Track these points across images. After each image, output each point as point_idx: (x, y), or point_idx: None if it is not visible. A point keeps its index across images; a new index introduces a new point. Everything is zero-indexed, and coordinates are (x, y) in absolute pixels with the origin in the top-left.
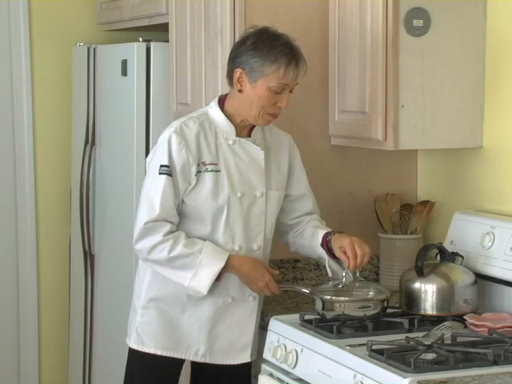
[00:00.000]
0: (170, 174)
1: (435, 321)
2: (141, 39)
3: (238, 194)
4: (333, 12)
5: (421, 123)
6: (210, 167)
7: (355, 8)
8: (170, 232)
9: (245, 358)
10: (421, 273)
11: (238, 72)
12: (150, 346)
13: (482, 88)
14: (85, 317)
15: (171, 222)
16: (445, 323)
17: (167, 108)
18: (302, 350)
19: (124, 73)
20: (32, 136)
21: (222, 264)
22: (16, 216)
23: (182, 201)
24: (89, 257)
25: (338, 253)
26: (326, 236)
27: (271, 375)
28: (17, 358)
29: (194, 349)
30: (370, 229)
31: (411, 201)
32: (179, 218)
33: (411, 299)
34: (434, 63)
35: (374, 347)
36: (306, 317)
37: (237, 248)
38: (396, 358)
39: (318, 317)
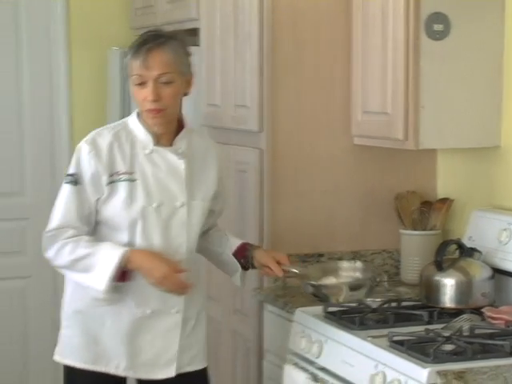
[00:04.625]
0: (75, 183)
1: (454, 313)
2: None
3: (154, 205)
4: (356, 16)
5: (440, 124)
6: (123, 176)
7: (377, 12)
8: (73, 237)
9: (169, 372)
10: (440, 267)
11: (130, 82)
12: (71, 359)
13: (500, 90)
14: None
15: (74, 228)
16: (463, 316)
17: (198, 109)
18: (325, 341)
19: None
20: (70, 133)
21: (117, 259)
22: None
23: (98, 211)
24: None
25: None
26: (243, 248)
27: (296, 365)
28: None
29: (115, 362)
30: (390, 225)
31: (431, 198)
32: (100, 228)
33: (431, 292)
34: (454, 66)
35: (394, 338)
36: (330, 309)
37: None
38: (416, 349)
39: (341, 309)
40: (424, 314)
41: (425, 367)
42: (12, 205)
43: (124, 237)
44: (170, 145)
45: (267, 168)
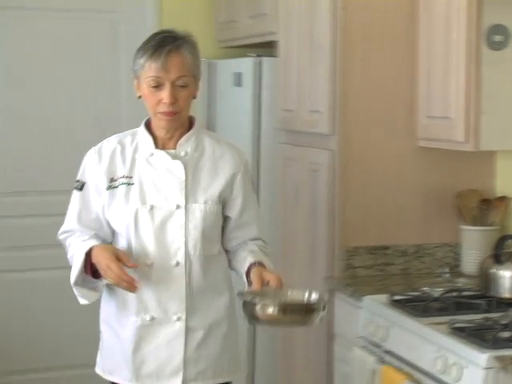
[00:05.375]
0: (80, 189)
1: (511, 303)
2: (253, 55)
3: (148, 206)
4: (422, 26)
5: (499, 127)
6: (122, 180)
7: (441, 24)
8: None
9: (175, 382)
10: (498, 260)
11: (134, 80)
12: (99, 367)
13: None
14: None
15: (79, 231)
16: None
17: (275, 114)
18: (391, 326)
19: (239, 84)
20: None
21: (82, 255)
22: None
23: (107, 217)
24: None
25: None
26: (250, 267)
27: (364, 348)
28: None
29: (121, 372)
30: (451, 220)
31: (490, 196)
32: (115, 235)
33: (489, 283)
34: None
35: (455, 325)
36: (395, 297)
37: (149, 262)
38: (475, 335)
39: (405, 297)
40: (483, 303)
41: (484, 352)
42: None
43: (123, 241)
44: (176, 148)
45: (338, 168)
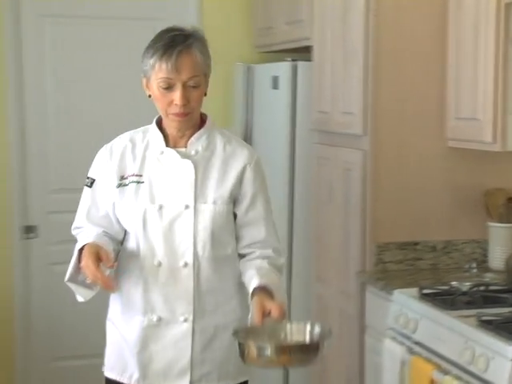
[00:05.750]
0: (90, 186)
1: None
2: (289, 59)
3: (156, 206)
4: (450, 33)
5: None
6: (132, 178)
7: (470, 29)
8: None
9: (183, 382)
10: None
11: (143, 79)
12: (103, 365)
13: None
14: None
15: (88, 228)
16: None
17: (310, 115)
18: (420, 319)
19: (275, 87)
20: None
21: (76, 252)
22: None
23: (117, 215)
24: None
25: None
26: (254, 292)
27: (394, 339)
28: None
29: (129, 372)
30: (479, 218)
31: None
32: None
33: None
34: None
35: (483, 318)
36: (424, 291)
37: (156, 263)
38: (502, 328)
39: (434, 291)
40: (510, 297)
41: (510, 344)
42: None
43: (133, 240)
44: (187, 146)
45: (370, 167)
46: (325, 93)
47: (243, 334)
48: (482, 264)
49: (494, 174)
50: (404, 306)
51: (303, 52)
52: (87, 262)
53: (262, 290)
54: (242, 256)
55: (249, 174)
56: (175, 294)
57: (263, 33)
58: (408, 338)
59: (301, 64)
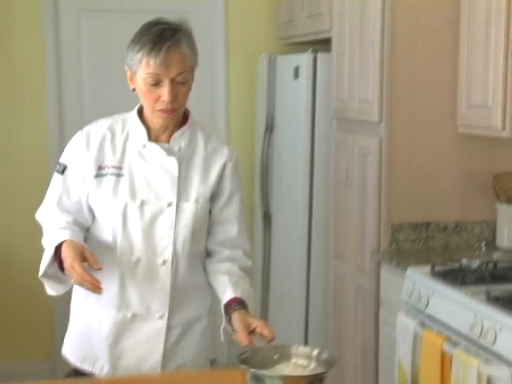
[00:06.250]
0: (61, 172)
1: None
2: (310, 50)
3: (138, 202)
4: (463, 25)
5: None
6: (110, 170)
7: (481, 21)
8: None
9: None
10: None
11: (128, 73)
12: (68, 352)
13: None
14: (263, 267)
15: (56, 215)
16: None
17: (329, 103)
18: (432, 294)
19: (296, 76)
20: (227, 124)
21: (52, 249)
22: None
23: (90, 205)
24: (267, 216)
25: (233, 336)
26: (229, 305)
27: (407, 312)
28: None
29: (100, 364)
30: (488, 200)
31: None
32: (93, 224)
33: None
34: None
35: (491, 294)
36: (436, 268)
37: (134, 259)
38: (510, 303)
39: (445, 268)
40: None
41: None
42: None
43: (109, 234)
44: (169, 141)
45: (385, 152)
46: (343, 82)
47: (251, 362)
48: (491, 243)
49: (503, 158)
50: (417, 283)
51: (323, 44)
52: (72, 264)
53: (239, 303)
54: (209, 252)
55: (228, 172)
56: (152, 291)
57: (285, 25)
58: (420, 312)
59: (320, 55)
